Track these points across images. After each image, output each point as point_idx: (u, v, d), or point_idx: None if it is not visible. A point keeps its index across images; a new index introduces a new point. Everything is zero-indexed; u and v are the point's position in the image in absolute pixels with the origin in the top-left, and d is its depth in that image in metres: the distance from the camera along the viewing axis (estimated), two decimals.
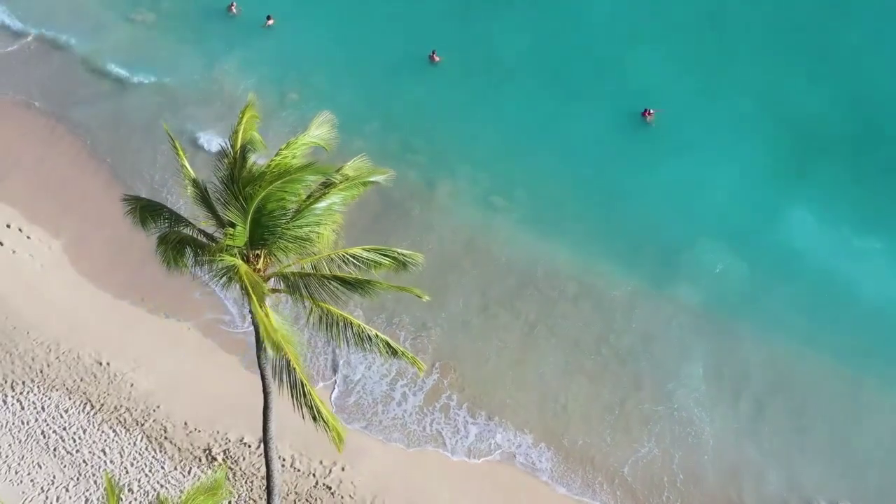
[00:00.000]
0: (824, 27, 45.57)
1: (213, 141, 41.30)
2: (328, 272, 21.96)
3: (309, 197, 21.61)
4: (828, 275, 36.35)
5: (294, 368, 20.73)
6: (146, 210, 22.97)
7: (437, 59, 44.71)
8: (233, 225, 20.89)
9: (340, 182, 21.85)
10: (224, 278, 20.36)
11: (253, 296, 20.02)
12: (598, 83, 43.70)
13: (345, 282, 21.65)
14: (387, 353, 22.01)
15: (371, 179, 22.48)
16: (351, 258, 22.05)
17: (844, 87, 42.91)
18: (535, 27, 46.67)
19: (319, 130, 22.75)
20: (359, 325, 21.78)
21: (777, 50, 44.71)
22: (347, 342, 21.84)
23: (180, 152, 22.80)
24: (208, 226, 22.30)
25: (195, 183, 22.37)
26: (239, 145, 21.58)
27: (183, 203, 35.42)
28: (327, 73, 44.97)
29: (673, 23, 46.30)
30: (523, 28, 46.56)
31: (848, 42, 44.86)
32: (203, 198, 22.20)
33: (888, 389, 33.31)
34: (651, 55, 44.63)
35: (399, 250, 22.50)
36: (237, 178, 21.16)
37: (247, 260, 21.70)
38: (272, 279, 22.30)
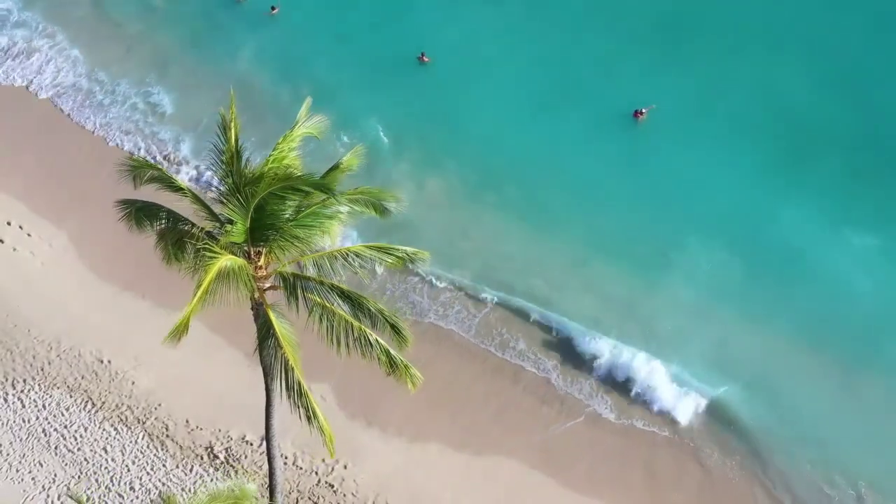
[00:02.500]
0: (818, 23, 45.14)
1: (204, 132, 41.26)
2: (329, 274, 21.65)
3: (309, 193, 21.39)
4: (824, 271, 36.11)
5: (292, 368, 20.58)
6: (142, 212, 22.71)
7: (426, 59, 44.70)
8: (231, 222, 20.76)
9: (350, 192, 21.60)
10: (199, 267, 20.30)
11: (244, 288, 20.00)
12: (588, 82, 43.38)
13: (342, 293, 21.40)
14: (386, 363, 21.54)
15: (381, 203, 22.21)
16: (354, 255, 21.79)
17: (838, 83, 42.48)
18: (524, 26, 46.40)
19: (310, 120, 22.64)
20: (360, 329, 21.50)
21: (769, 46, 44.33)
22: (348, 346, 21.53)
23: (164, 171, 22.79)
24: (208, 225, 22.11)
25: (189, 192, 22.23)
26: (234, 141, 21.42)
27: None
28: (325, 69, 44.85)
29: (664, 20, 45.95)
30: (513, 27, 46.27)
31: (841, 37, 44.43)
32: (197, 199, 22.08)
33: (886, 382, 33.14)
34: (643, 53, 44.34)
35: (405, 248, 22.22)
36: (235, 174, 21.03)
37: (248, 257, 21.55)
38: (274, 276, 22.15)
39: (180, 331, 20.16)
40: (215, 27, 47.70)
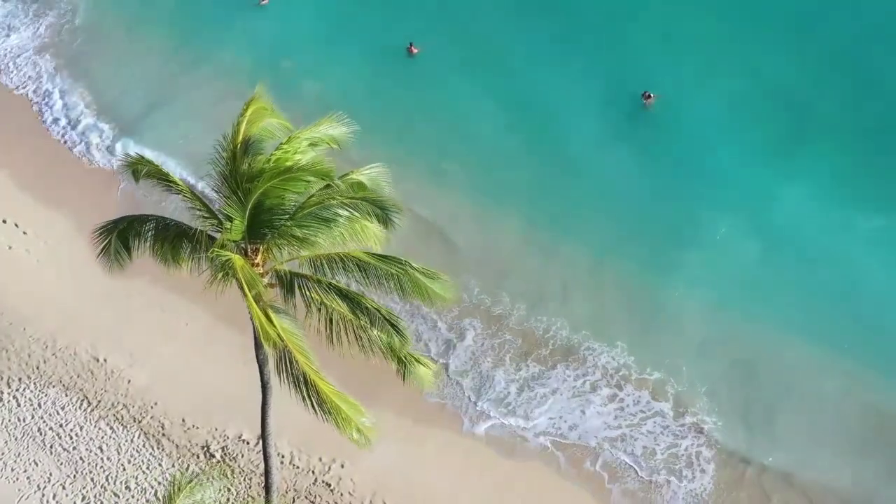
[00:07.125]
0: (823, 6, 45.08)
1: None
2: (328, 275, 21.26)
3: (312, 197, 21.00)
4: (828, 255, 36.05)
5: (296, 361, 20.17)
6: (125, 234, 21.92)
7: (414, 50, 44.17)
8: (230, 219, 20.55)
9: (349, 196, 20.83)
10: (220, 273, 19.88)
11: (248, 292, 19.67)
12: (594, 66, 43.15)
13: (340, 291, 20.94)
14: (395, 359, 21.16)
15: (383, 211, 20.85)
16: (355, 262, 21.05)
17: (845, 66, 42.39)
18: (519, 10, 46.05)
19: (333, 130, 22.03)
20: (360, 325, 21.15)
21: (778, 30, 44.18)
22: (350, 344, 21.19)
23: (168, 174, 22.38)
24: (206, 224, 21.83)
25: (185, 188, 21.91)
26: (241, 138, 21.10)
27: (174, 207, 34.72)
28: (312, 60, 44.86)
29: (670, 4, 45.87)
30: (507, 12, 45.99)
31: (847, 21, 44.34)
32: (193, 196, 21.83)
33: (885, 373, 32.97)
34: (650, 36, 44.18)
35: (410, 263, 21.07)
36: (236, 171, 20.77)
37: (245, 254, 21.34)
38: (270, 273, 21.93)
39: (267, 330, 19.60)
40: (202, 16, 47.64)
